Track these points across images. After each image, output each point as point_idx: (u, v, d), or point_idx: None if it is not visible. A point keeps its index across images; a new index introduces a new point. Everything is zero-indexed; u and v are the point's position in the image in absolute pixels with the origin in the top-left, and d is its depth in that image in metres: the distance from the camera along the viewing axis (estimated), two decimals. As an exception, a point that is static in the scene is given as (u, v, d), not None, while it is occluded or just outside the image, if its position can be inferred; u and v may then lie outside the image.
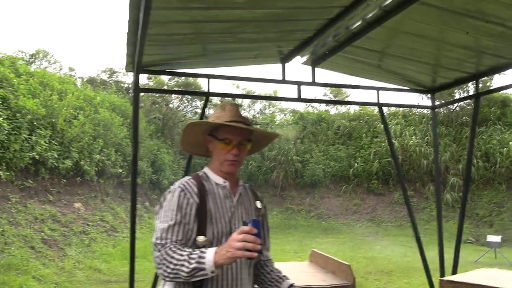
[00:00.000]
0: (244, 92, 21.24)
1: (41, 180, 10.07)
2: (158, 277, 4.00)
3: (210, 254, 1.69)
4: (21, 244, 7.94)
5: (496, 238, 11.59)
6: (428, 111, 16.75)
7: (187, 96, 20.82)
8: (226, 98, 14.45)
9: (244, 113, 22.72)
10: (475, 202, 16.26)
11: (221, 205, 1.93)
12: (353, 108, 21.80)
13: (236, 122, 1.92)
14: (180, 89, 16.45)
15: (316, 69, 4.32)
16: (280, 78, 4.23)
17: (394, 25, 3.32)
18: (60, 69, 19.39)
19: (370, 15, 3.15)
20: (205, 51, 3.78)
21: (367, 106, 18.83)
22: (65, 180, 10.91)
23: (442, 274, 4.71)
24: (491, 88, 15.66)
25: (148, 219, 13.77)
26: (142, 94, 19.32)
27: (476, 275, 3.76)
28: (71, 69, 20.21)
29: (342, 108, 22.42)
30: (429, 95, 5.01)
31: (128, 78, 20.25)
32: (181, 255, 1.73)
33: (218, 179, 1.99)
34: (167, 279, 1.77)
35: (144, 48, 2.77)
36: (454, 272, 4.55)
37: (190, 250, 1.75)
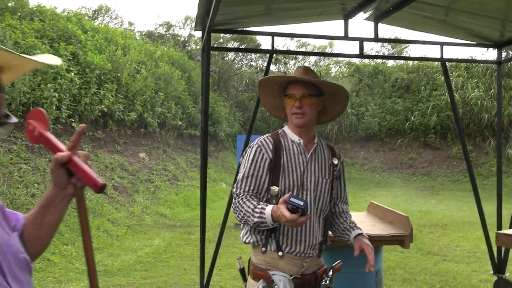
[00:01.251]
0: (299, 45, 21.01)
1: (109, 132, 10.76)
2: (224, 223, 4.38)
3: (268, 212, 1.94)
4: (95, 190, 8.68)
5: (560, 195, 11.24)
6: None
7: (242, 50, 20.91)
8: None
9: (297, 65, 22.53)
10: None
11: (295, 160, 2.16)
12: (409, 60, 21.06)
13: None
14: (246, 47, 16.56)
15: (378, 24, 4.34)
16: (342, 34, 4.29)
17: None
18: (121, 24, 19.99)
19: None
20: (269, 10, 3.91)
21: (427, 58, 18.11)
22: (130, 131, 11.58)
23: (499, 228, 4.78)
24: None
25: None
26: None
27: (534, 229, 3.83)
28: (130, 24, 20.78)
29: (400, 60, 21.71)
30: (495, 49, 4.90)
31: (184, 32, 20.56)
32: (249, 206, 2.03)
33: (294, 136, 2.20)
34: (242, 222, 2.09)
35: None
36: (511, 226, 4.61)
37: (255, 203, 2.03)
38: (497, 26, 4.29)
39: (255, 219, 1.98)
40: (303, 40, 22.40)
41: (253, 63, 21.79)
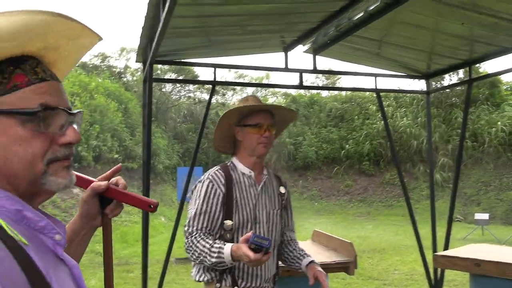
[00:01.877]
0: (236, 76, 21.33)
1: (40, 166, 10.21)
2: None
3: (227, 252, 1.89)
4: (25, 229, 8.12)
5: (484, 216, 12.03)
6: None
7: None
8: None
9: (236, 96, 22.81)
10: (463, 181, 16.69)
11: (246, 193, 2.12)
12: (345, 91, 22.03)
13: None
14: (188, 79, 16.67)
15: (316, 56, 4.51)
16: (281, 66, 4.41)
17: (393, 15, 3.51)
18: (53, 55, 19.27)
19: (372, 7, 3.33)
20: (210, 42, 3.94)
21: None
22: (63, 166, 11.06)
23: (435, 250, 4.99)
24: (481, 71, 15.97)
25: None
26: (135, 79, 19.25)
27: (467, 250, 4.03)
28: (62, 54, 20.07)
29: (334, 91, 22.62)
30: (422, 80, 5.24)
31: (120, 63, 20.23)
32: (204, 246, 1.95)
33: (245, 169, 2.16)
34: (196, 262, 2.02)
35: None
36: (446, 248, 4.83)
37: (211, 242, 1.95)
38: (424, 59, 4.60)
39: (213, 260, 1.92)
40: (241, 71, 22.79)
41: (191, 94, 21.77)
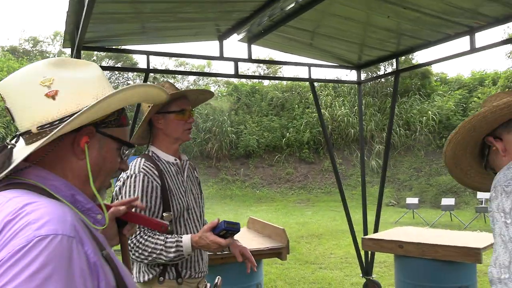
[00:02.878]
0: (177, 64, 20.98)
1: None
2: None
3: (187, 243, 1.88)
4: None
5: (414, 200, 12.72)
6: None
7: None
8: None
9: (178, 85, 22.47)
10: (397, 168, 17.52)
11: (176, 182, 2.08)
12: (282, 80, 22.32)
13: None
14: (121, 66, 16.26)
15: (252, 46, 4.54)
16: (218, 54, 4.41)
17: (324, 7, 3.60)
18: (-23, 38, 18.06)
19: (302, -2, 3.40)
20: (144, 29, 3.86)
21: (299, 78, 19.38)
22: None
23: (365, 234, 5.23)
24: (412, 62, 16.74)
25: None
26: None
27: (392, 232, 4.27)
28: (-11, 38, 18.90)
29: (275, 80, 22.85)
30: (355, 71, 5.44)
31: (54, 48, 19.27)
32: (156, 243, 1.89)
33: (168, 157, 2.10)
34: (145, 261, 1.92)
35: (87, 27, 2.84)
36: (375, 231, 5.08)
37: (162, 237, 1.90)
38: (355, 50, 4.76)
39: (171, 255, 1.87)
40: (182, 59, 22.44)
41: (130, 82, 21.18)
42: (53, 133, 0.88)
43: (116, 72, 20.47)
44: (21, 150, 0.92)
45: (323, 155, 18.94)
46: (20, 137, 0.96)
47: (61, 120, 0.91)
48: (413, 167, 17.43)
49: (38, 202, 0.81)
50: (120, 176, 2.01)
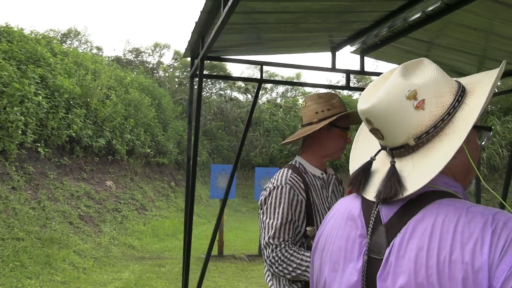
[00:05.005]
0: (267, 75, 21.29)
1: (76, 158, 10.39)
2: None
3: None
4: (61, 219, 8.26)
5: None
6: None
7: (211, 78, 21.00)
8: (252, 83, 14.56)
9: (266, 96, 22.77)
10: (497, 192, 16.16)
11: (321, 196, 2.01)
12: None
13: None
14: (235, 76, 17.08)
15: (364, 57, 4.42)
16: (330, 66, 4.34)
17: (451, 17, 3.40)
18: (91, 49, 19.67)
19: (431, 8, 3.23)
20: (259, 40, 3.90)
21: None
22: (97, 159, 11.22)
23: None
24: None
25: (174, 199, 14.09)
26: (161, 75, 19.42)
27: None
28: (98, 49, 20.50)
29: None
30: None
31: (153, 59, 20.44)
32: (302, 259, 1.82)
33: (315, 170, 2.04)
34: (288, 276, 1.85)
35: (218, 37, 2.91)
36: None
37: (308, 254, 1.83)
38: (475, 63, 4.44)
39: None
40: (272, 71, 22.77)
41: (222, 92, 21.85)
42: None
43: (210, 82, 21.21)
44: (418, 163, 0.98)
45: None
46: (380, 152, 1.07)
47: (435, 127, 0.96)
48: (517, 191, 16.01)
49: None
50: (266, 186, 2.00)
